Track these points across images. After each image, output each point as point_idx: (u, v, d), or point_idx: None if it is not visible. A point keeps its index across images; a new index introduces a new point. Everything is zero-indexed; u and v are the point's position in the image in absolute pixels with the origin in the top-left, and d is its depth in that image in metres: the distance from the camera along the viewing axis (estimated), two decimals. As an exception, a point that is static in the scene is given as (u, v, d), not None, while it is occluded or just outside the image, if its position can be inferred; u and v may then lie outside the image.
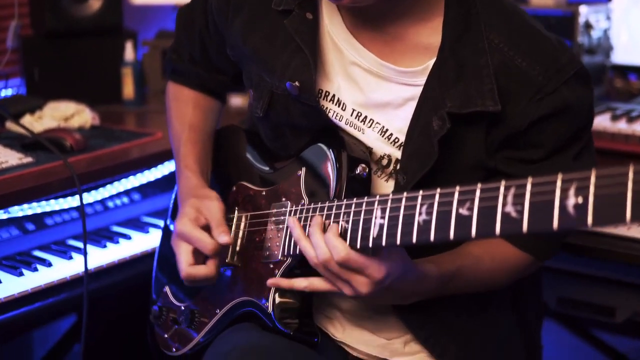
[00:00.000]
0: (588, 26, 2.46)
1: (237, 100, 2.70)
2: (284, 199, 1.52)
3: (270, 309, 1.46)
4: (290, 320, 1.47)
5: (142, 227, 2.23)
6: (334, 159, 1.45)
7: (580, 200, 1.01)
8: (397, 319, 1.53)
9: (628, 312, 2.09)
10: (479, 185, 1.14)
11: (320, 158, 1.49)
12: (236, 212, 1.61)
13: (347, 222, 1.33)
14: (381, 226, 1.27)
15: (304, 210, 1.44)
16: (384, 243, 1.27)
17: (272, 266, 1.49)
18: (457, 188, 1.17)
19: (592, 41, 2.57)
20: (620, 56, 2.59)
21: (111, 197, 2.23)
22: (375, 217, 1.28)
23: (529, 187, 1.07)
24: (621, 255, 1.83)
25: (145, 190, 2.30)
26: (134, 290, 2.05)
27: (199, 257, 1.50)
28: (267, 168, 1.63)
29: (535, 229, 1.06)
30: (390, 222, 1.26)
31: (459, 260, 1.44)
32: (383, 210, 1.27)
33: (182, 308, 1.67)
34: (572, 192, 1.02)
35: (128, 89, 2.69)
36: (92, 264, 2.01)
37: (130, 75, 2.68)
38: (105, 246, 2.10)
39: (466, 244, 1.49)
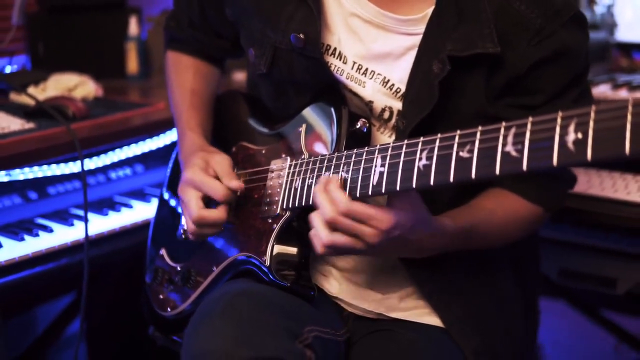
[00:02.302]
0: (591, 1, 2.46)
1: (240, 75, 2.70)
2: (284, 156, 1.53)
3: (267, 262, 1.46)
4: (288, 272, 1.46)
5: (145, 197, 2.23)
6: (334, 114, 1.46)
7: (580, 135, 1.01)
8: (393, 274, 1.54)
9: (629, 283, 2.09)
10: (480, 127, 1.14)
11: (321, 114, 1.50)
12: (235, 171, 1.61)
13: (347, 172, 1.33)
14: (381, 174, 1.27)
15: (304, 164, 1.45)
16: (383, 190, 1.27)
17: (270, 221, 1.49)
18: (458, 132, 1.18)
19: (596, 17, 2.56)
20: (624, 33, 2.58)
21: (114, 168, 2.23)
22: (376, 166, 1.29)
23: (529, 126, 1.08)
24: (622, 219, 1.83)
25: (148, 161, 2.30)
26: (137, 258, 2.05)
27: (208, 205, 1.50)
28: (267, 129, 1.63)
29: (535, 166, 1.06)
30: (390, 169, 1.26)
31: (473, 213, 1.45)
32: (383, 158, 1.28)
33: (178, 268, 1.67)
34: (572, 128, 1.02)
35: (132, 64, 2.70)
36: (93, 231, 2.01)
37: (134, 50, 2.69)
38: (106, 214, 2.10)
39: (479, 198, 1.50)
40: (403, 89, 1.47)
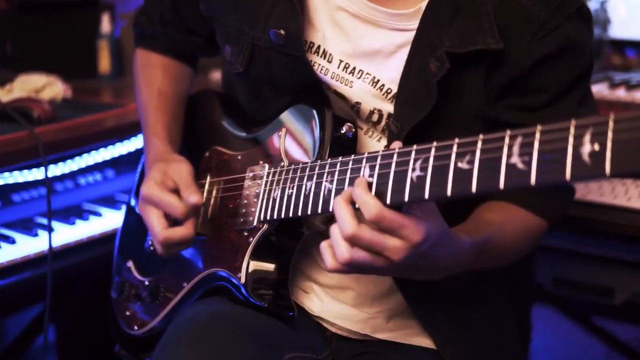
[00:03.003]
0: (585, -4, 2.35)
1: (218, 75, 2.58)
2: (261, 162, 1.41)
3: (243, 279, 1.35)
4: (265, 292, 1.35)
5: (116, 204, 2.11)
6: (317, 118, 1.35)
7: (596, 147, 0.90)
8: (381, 290, 1.44)
9: (627, 293, 1.99)
10: (481, 136, 1.03)
11: (302, 118, 1.39)
12: (208, 178, 1.50)
13: (331, 182, 1.21)
14: (369, 184, 1.15)
15: (283, 172, 1.33)
16: None
17: (246, 234, 1.38)
18: (456, 140, 1.06)
19: (589, 13, 2.46)
20: (618, 30, 2.49)
21: (83, 174, 2.11)
22: (363, 176, 1.16)
23: (537, 135, 0.96)
24: (622, 227, 1.73)
25: (120, 166, 2.17)
26: (107, 269, 1.93)
27: (171, 222, 1.40)
28: (243, 132, 1.52)
29: (544, 180, 0.94)
30: (380, 180, 1.14)
31: (485, 228, 1.32)
32: (372, 168, 1.16)
33: (146, 282, 1.56)
34: (587, 138, 0.90)
35: (104, 63, 2.60)
36: (59, 242, 1.90)
37: (106, 48, 2.60)
38: (73, 223, 1.98)
39: (482, 211, 1.38)
40: (394, 89, 1.36)
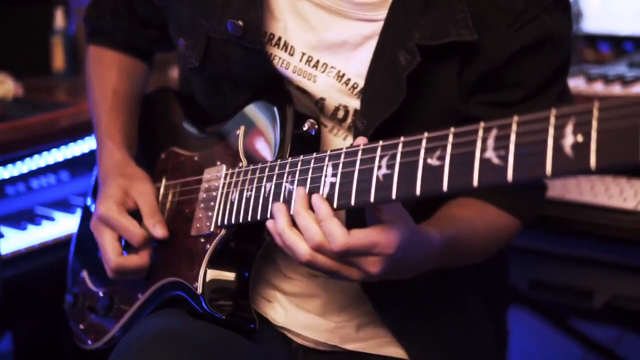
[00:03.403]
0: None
1: (177, 72, 2.47)
2: (219, 163, 1.31)
3: (199, 289, 1.25)
4: (224, 302, 1.25)
5: (70, 208, 2.01)
6: (277, 115, 1.25)
7: (580, 138, 0.81)
8: (349, 298, 1.34)
9: (607, 296, 1.91)
10: (452, 129, 0.94)
11: (261, 115, 1.29)
12: (164, 181, 1.41)
13: (292, 182, 1.12)
14: (332, 185, 1.06)
15: (241, 173, 1.24)
16: (335, 205, 1.06)
17: (203, 240, 1.28)
18: (425, 134, 0.97)
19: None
20: (591, 24, 2.41)
21: (37, 177, 2.01)
22: (326, 176, 1.07)
23: (514, 127, 0.87)
24: (601, 227, 1.65)
25: (75, 167, 2.08)
26: (61, 277, 1.84)
27: (126, 243, 1.33)
28: (201, 132, 1.43)
29: (522, 177, 0.86)
30: (344, 179, 1.05)
31: (455, 223, 1.24)
32: (335, 166, 1.07)
33: (100, 294, 1.46)
34: (569, 129, 0.82)
35: (58, 60, 2.50)
36: (8, 248, 1.80)
37: (60, 45, 2.50)
38: (25, 228, 1.88)
39: (450, 207, 1.31)
40: (361, 84, 1.27)
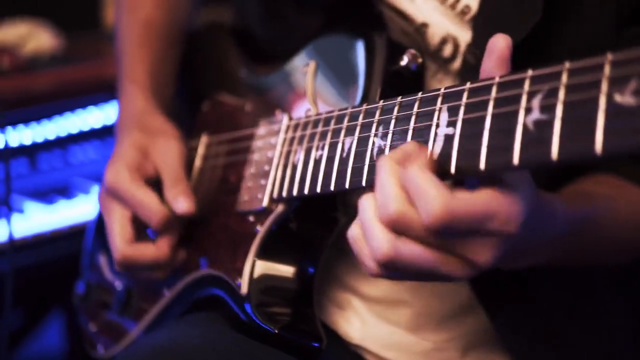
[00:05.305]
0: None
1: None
2: (277, 112, 1.02)
3: (245, 288, 0.93)
4: (278, 310, 0.94)
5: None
6: (364, 44, 0.96)
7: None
8: (452, 307, 1.03)
9: None
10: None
11: (341, 45, 1.00)
12: (203, 139, 1.14)
13: (384, 136, 0.78)
14: (448, 139, 0.71)
15: (309, 125, 0.91)
16: (453, 169, 0.71)
17: (252, 219, 0.99)
18: (609, 56, 0.62)
19: None
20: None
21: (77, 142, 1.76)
22: (438, 125, 0.73)
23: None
24: None
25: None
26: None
27: (142, 227, 1.05)
28: (254, 74, 1.16)
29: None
30: (468, 130, 0.71)
31: (590, 200, 0.89)
32: (453, 111, 0.73)
33: (117, 287, 1.18)
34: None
35: (110, 13, 2.25)
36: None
37: (113, -5, 2.27)
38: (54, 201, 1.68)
39: (582, 184, 0.96)
40: (474, 7, 0.96)
